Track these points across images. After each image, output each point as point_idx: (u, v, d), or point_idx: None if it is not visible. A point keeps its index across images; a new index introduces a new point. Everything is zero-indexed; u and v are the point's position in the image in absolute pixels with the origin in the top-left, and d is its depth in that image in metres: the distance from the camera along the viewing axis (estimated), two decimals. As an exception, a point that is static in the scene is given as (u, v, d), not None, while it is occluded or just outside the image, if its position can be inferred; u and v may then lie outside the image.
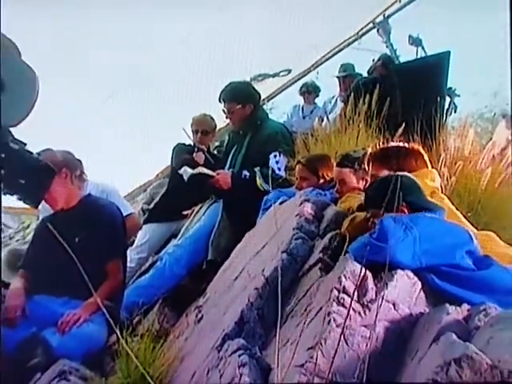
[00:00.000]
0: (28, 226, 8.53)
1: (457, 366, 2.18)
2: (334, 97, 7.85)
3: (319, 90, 8.15)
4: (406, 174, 3.22)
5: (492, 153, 4.49)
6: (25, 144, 3.25)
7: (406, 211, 2.98)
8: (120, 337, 3.35)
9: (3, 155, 3.09)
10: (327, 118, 6.85)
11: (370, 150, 3.75)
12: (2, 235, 8.86)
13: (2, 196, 3.16)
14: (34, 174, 3.22)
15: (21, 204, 3.44)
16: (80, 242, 3.99)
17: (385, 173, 3.40)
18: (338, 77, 7.57)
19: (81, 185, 4.39)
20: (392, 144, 3.89)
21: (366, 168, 3.64)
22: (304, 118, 7.84)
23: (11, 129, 3.20)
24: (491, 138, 4.62)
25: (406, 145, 3.68)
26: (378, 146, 3.79)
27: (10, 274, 4.42)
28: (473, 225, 3.40)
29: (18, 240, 8.49)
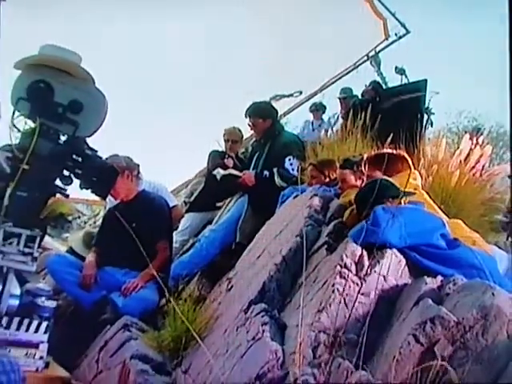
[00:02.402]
0: (98, 213, 8.57)
1: (431, 323, 2.23)
2: (336, 113, 7.83)
3: (325, 108, 8.12)
4: (383, 177, 3.23)
5: (459, 159, 4.47)
6: (96, 151, 3.29)
7: (389, 203, 3.00)
8: (168, 300, 3.41)
9: (80, 159, 3.13)
10: (332, 130, 6.82)
11: (365, 156, 3.75)
12: (79, 221, 8.95)
13: (80, 190, 3.22)
14: (103, 174, 3.25)
15: (93, 196, 3.49)
16: (136, 226, 4.02)
17: (377, 173, 3.39)
18: (339, 98, 7.56)
19: (138, 182, 4.43)
20: (383, 150, 3.89)
21: (363, 169, 3.65)
22: (313, 130, 7.80)
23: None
24: (458, 147, 4.60)
25: (394, 151, 3.68)
26: (372, 152, 3.79)
27: (86, 251, 4.45)
28: (445, 214, 3.40)
29: (90, 224, 8.53)
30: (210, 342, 3.04)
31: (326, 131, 6.93)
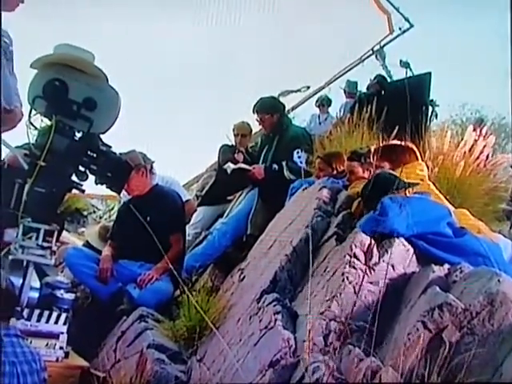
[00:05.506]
0: (112, 208, 8.56)
1: (439, 310, 2.23)
2: (342, 106, 7.80)
3: (331, 102, 8.11)
4: (387, 171, 3.23)
5: (463, 150, 4.45)
6: (110, 146, 3.30)
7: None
8: (183, 291, 3.42)
9: (95, 155, 3.14)
10: (341, 119, 6.76)
11: (373, 148, 3.72)
12: (94, 215, 8.97)
13: (95, 185, 3.23)
14: (117, 169, 3.26)
15: (107, 191, 3.49)
16: (151, 220, 4.01)
17: (386, 164, 3.38)
18: (344, 90, 7.57)
19: (151, 177, 4.43)
20: (391, 142, 3.88)
21: (371, 161, 3.62)
22: (320, 123, 7.78)
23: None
24: (462, 139, 4.58)
25: (402, 143, 3.67)
26: (380, 144, 3.78)
27: (102, 244, 4.46)
28: (451, 203, 3.39)
29: (106, 219, 8.52)
30: (224, 331, 3.05)
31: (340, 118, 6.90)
